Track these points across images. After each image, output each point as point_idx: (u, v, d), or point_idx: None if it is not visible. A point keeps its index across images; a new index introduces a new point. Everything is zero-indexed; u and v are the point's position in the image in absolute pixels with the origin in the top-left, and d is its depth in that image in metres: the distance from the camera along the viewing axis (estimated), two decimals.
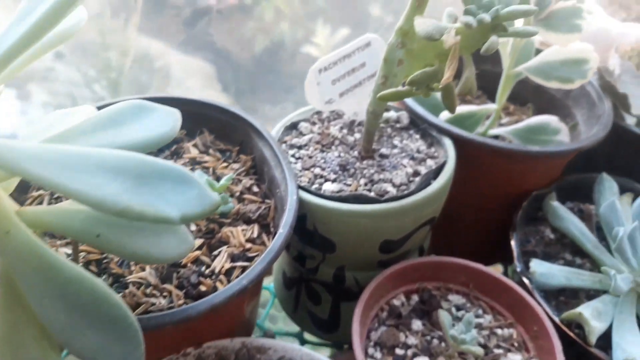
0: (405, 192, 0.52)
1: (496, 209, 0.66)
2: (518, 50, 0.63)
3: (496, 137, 0.74)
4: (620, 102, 0.72)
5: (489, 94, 0.79)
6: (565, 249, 0.62)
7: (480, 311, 0.54)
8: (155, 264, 0.45)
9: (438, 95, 0.68)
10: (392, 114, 0.64)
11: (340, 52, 0.58)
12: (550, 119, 0.71)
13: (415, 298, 0.55)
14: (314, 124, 0.63)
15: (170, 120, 0.36)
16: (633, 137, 0.70)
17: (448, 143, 0.59)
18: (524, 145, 0.59)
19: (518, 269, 0.56)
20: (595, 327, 0.49)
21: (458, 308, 0.54)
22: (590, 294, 0.56)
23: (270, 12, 1.77)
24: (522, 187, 0.65)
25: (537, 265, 0.54)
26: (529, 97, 0.81)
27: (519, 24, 0.61)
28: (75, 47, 1.29)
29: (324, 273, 0.58)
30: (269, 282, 0.74)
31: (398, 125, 0.63)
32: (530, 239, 0.63)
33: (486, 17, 0.38)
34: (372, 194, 0.52)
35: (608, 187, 0.64)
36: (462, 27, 0.40)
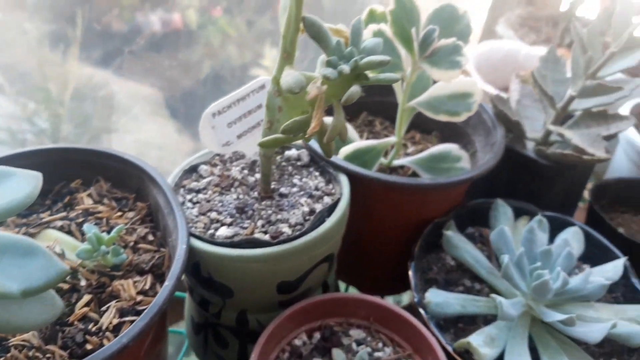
0: (298, 232, 0.53)
1: (400, 239, 0.67)
2: (410, 86, 0.65)
3: (401, 167, 0.76)
4: (515, 129, 0.76)
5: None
6: (465, 275, 0.64)
7: (380, 344, 0.55)
8: (18, 332, 0.43)
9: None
10: (293, 152, 0.65)
11: (235, 96, 0.59)
12: (451, 147, 0.73)
13: (317, 336, 0.56)
14: (215, 165, 0.63)
15: (27, 186, 0.35)
16: (528, 161, 0.74)
17: (343, 179, 0.60)
18: (413, 179, 0.61)
19: (415, 300, 0.57)
20: (485, 354, 0.51)
21: (359, 343, 0.55)
22: (488, 319, 0.58)
23: (217, 36, 1.77)
24: (423, 216, 0.67)
25: (433, 296, 0.56)
26: (434, 125, 0.83)
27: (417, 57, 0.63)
28: (14, 79, 1.25)
29: (227, 317, 0.58)
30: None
31: (299, 163, 0.64)
32: (432, 266, 0.65)
33: (346, 68, 0.40)
34: (266, 237, 0.53)
35: (502, 213, 0.67)
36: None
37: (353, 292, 0.83)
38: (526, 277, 0.55)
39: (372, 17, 0.65)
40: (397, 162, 0.74)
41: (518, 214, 0.70)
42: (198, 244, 0.51)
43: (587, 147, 0.68)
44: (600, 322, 0.54)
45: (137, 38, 1.37)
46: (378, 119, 0.85)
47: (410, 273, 0.60)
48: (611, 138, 0.75)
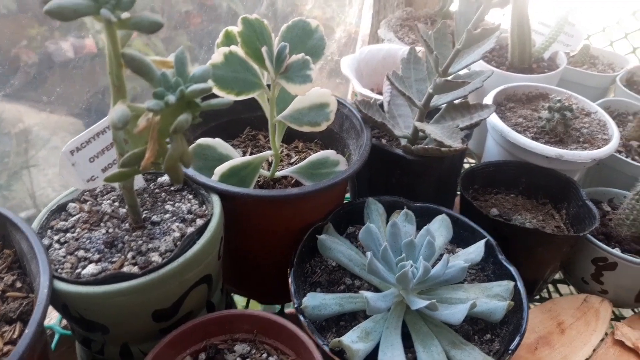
0: (166, 259, 0.53)
1: (285, 248, 0.69)
2: (274, 101, 0.68)
3: (285, 177, 0.78)
4: (383, 129, 0.80)
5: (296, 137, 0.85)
6: (346, 274, 0.67)
7: (265, 355, 0.57)
8: None
9: (222, 148, 0.71)
10: (165, 178, 0.66)
11: (92, 130, 0.59)
12: (329, 153, 0.76)
13: (202, 357, 0.56)
14: (84, 201, 0.63)
15: None
16: (397, 158, 0.78)
17: (215, 199, 0.61)
18: (281, 191, 0.63)
19: (295, 305, 0.59)
20: (358, 349, 0.54)
21: (243, 357, 0.57)
22: (367, 314, 0.61)
23: None
24: (305, 222, 0.69)
25: (310, 300, 0.58)
26: (316, 134, 0.87)
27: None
28: None
29: (110, 352, 0.58)
30: None
31: (172, 188, 0.65)
32: (316, 269, 0.68)
33: (172, 98, 0.41)
34: (135, 268, 0.53)
35: (374, 210, 0.71)
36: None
37: (254, 305, 0.85)
38: (393, 269, 0.59)
39: (229, 38, 0.67)
40: (279, 173, 0.76)
41: (394, 208, 0.74)
42: (62, 285, 0.50)
43: (446, 139, 0.73)
44: (467, 302, 0.58)
45: (49, 67, 1.32)
46: (261, 132, 0.87)
47: (290, 280, 0.62)
48: (475, 126, 0.81)
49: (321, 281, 0.66)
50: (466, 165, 1.22)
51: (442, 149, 0.72)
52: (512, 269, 0.66)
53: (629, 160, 0.93)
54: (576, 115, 0.90)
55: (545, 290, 0.91)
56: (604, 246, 0.77)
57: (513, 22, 1.05)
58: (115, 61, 0.41)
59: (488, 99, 0.95)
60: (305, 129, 0.67)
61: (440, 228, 0.70)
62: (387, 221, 0.72)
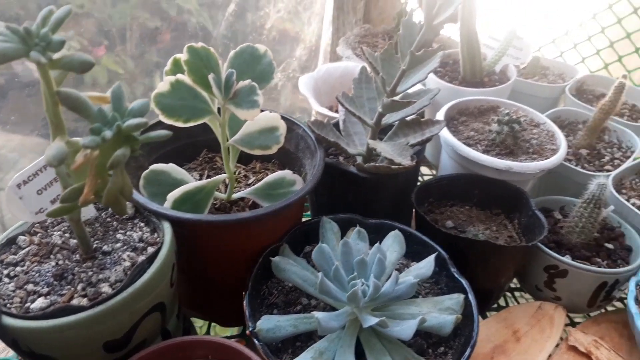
0: (116, 290, 0.53)
1: (245, 269, 0.70)
2: (225, 126, 0.69)
3: (242, 199, 0.79)
4: (338, 148, 0.82)
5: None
6: (303, 294, 0.67)
7: None
8: None
9: (176, 173, 0.71)
10: None
11: (39, 163, 0.59)
12: (285, 173, 0.78)
13: None
14: (34, 234, 0.62)
15: None
16: (352, 176, 0.80)
17: (166, 226, 0.61)
18: (231, 215, 0.64)
19: (250, 329, 0.60)
20: None
21: None
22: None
23: (103, 75, 1.71)
24: (261, 244, 0.70)
25: (264, 323, 0.59)
26: (272, 154, 0.88)
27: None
28: None
29: None
30: None
31: (124, 217, 0.65)
32: (273, 291, 0.68)
33: (108, 133, 0.42)
34: (84, 301, 0.53)
35: (329, 229, 0.72)
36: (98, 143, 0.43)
37: (217, 329, 0.85)
38: (346, 287, 0.60)
39: (177, 66, 0.68)
40: (236, 195, 0.77)
41: (349, 225, 0.75)
42: (10, 321, 0.50)
43: (396, 157, 0.75)
44: (418, 318, 0.60)
45: (16, 88, 1.31)
46: (218, 154, 0.88)
47: (245, 304, 0.62)
48: (427, 142, 0.84)
49: (278, 302, 0.67)
50: (427, 177, 1.25)
51: (392, 166, 0.74)
52: (463, 281, 0.68)
53: (578, 168, 0.96)
54: (524, 127, 0.93)
55: (503, 298, 0.94)
56: (554, 254, 0.80)
57: (462, 38, 1.08)
58: (51, 99, 0.41)
59: (440, 114, 0.98)
60: (257, 152, 0.68)
61: (393, 244, 0.71)
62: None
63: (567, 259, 0.81)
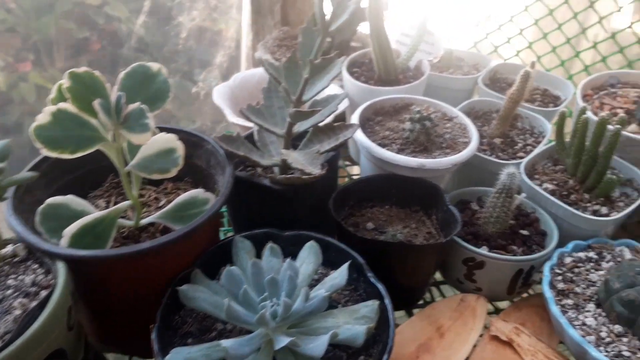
0: (4, 342, 0.50)
1: (157, 301, 0.67)
2: (120, 152, 0.66)
3: (152, 224, 0.76)
4: (250, 161, 0.80)
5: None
6: (218, 319, 0.65)
7: None
8: None
9: (75, 204, 0.68)
10: (8, 249, 0.62)
11: None
12: (197, 192, 0.75)
13: None
14: None
15: None
16: (266, 189, 0.78)
17: (60, 266, 0.58)
18: (127, 248, 0.61)
19: None
20: None
21: None
22: None
23: (31, 92, 1.61)
24: (172, 271, 0.68)
25: (173, 356, 0.57)
26: (184, 171, 0.85)
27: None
28: None
29: None
30: None
31: (16, 260, 0.61)
32: (187, 319, 0.66)
33: None
34: None
35: (241, 248, 0.70)
36: None
37: None
38: (256, 309, 0.59)
39: (61, 94, 0.64)
40: (144, 221, 0.74)
41: (266, 240, 0.74)
42: None
43: (307, 166, 0.74)
44: (329, 332, 0.59)
45: None
46: None
47: (153, 337, 0.60)
48: (341, 146, 0.83)
49: (192, 331, 0.65)
50: (356, 177, 1.25)
51: (304, 176, 0.73)
52: (380, 286, 0.68)
53: (491, 158, 0.99)
54: (436, 123, 0.94)
55: (429, 293, 0.95)
56: (471, 247, 0.81)
57: (372, 38, 1.08)
58: None
59: (355, 116, 0.98)
60: (156, 176, 0.65)
61: (309, 255, 0.70)
62: (259, 255, 0.71)
63: (483, 250, 0.82)
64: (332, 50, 1.35)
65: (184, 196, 0.75)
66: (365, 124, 1.01)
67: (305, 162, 0.75)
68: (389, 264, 0.78)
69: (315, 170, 0.73)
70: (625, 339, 0.68)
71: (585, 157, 0.89)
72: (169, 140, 0.64)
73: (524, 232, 0.88)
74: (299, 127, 0.81)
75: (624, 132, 0.93)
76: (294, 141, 0.81)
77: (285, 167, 0.82)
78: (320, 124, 0.83)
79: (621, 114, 1.02)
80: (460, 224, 0.79)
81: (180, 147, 0.65)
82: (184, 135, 0.83)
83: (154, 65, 0.68)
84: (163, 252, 0.63)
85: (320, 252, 0.71)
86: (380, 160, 0.90)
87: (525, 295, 0.91)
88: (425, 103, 1.04)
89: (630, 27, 1.22)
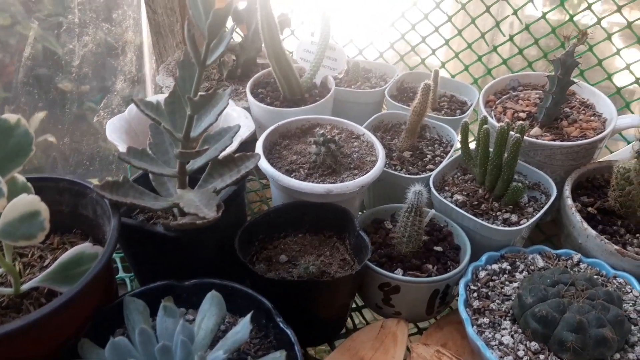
0: None
1: None
2: None
3: (35, 288, 0.68)
4: (138, 208, 0.73)
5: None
6: None
7: None
8: None
9: None
10: None
11: None
12: (84, 248, 0.68)
13: None
14: None
15: None
16: (159, 237, 0.72)
17: None
18: None
19: None
20: None
21: None
22: None
23: None
24: (56, 343, 0.60)
25: None
26: (71, 223, 0.77)
27: None
28: None
29: None
30: None
31: None
32: None
33: None
34: None
35: (134, 309, 0.64)
36: None
37: None
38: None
39: None
40: (25, 287, 0.66)
41: (164, 294, 0.67)
42: None
43: (203, 208, 0.68)
44: None
45: None
46: None
47: None
48: (244, 178, 0.78)
49: None
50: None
51: (197, 222, 0.67)
52: (289, 332, 0.64)
53: (400, 173, 0.97)
54: (341, 145, 0.91)
55: (352, 320, 0.92)
56: (384, 272, 0.79)
57: (270, 59, 1.04)
58: None
59: (259, 143, 0.93)
60: (22, 243, 0.57)
61: (210, 307, 0.65)
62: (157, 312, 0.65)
63: (397, 273, 0.80)
64: (238, 70, 1.31)
65: (68, 253, 0.67)
66: (272, 148, 0.97)
67: (201, 204, 0.70)
68: (302, 301, 0.74)
69: (210, 213, 0.67)
70: (542, 357, 0.68)
71: (491, 167, 0.90)
72: (32, 202, 0.57)
73: (438, 249, 0.87)
74: (193, 165, 0.75)
75: (526, 138, 0.94)
76: (195, 174, 0.76)
77: (181, 209, 0.76)
78: (220, 157, 0.78)
79: (523, 118, 1.04)
80: (370, 250, 0.77)
81: (44, 210, 0.57)
82: (66, 184, 0.76)
83: (11, 117, 0.60)
84: (40, 327, 0.56)
85: (224, 302, 0.66)
86: (287, 188, 0.86)
87: (447, 310, 0.90)
88: (330, 123, 1.02)
89: (543, 17, 1.23)
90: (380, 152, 0.93)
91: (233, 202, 0.80)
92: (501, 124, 0.86)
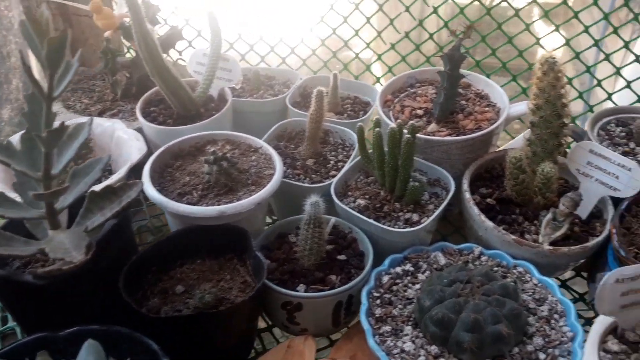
0: None
1: None
2: None
3: None
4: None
5: None
6: None
7: None
8: None
9: None
10: None
11: None
12: None
13: None
14: None
15: None
16: (30, 286, 0.66)
17: None
18: None
19: None
20: None
21: None
22: None
23: None
24: None
25: None
26: None
27: None
28: None
29: None
30: None
31: None
32: None
33: None
34: None
35: None
36: None
37: None
38: None
39: None
40: None
41: (39, 347, 0.62)
42: None
43: (72, 251, 0.63)
44: None
45: None
46: None
47: None
48: (126, 209, 0.73)
49: None
50: None
51: (64, 267, 0.62)
52: None
53: (300, 183, 0.95)
54: (234, 162, 0.87)
55: (261, 341, 0.89)
56: (284, 291, 0.76)
57: (153, 77, 0.99)
58: None
59: (146, 168, 0.88)
60: None
61: (88, 357, 0.60)
62: None
63: (299, 289, 0.78)
64: (133, 88, 1.25)
65: None
66: (164, 171, 0.92)
67: (71, 246, 0.64)
68: (198, 334, 0.70)
69: (78, 256, 0.62)
70: None
71: (387, 169, 0.89)
72: None
73: (342, 257, 0.85)
74: (64, 202, 0.69)
75: (420, 135, 0.94)
76: (73, 209, 0.70)
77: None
78: (97, 188, 0.72)
79: (420, 115, 1.04)
80: (266, 270, 0.74)
81: None
82: None
83: None
84: None
85: (102, 350, 0.61)
86: (178, 214, 0.82)
87: (356, 320, 0.88)
88: (226, 137, 0.98)
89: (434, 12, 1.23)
90: (278, 164, 0.90)
91: (116, 236, 0.75)
92: (392, 125, 0.85)
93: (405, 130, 0.85)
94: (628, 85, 1.19)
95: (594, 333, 0.63)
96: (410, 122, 0.89)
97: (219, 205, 0.82)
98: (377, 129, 0.87)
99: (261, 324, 0.90)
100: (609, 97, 1.21)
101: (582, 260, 0.91)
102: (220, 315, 0.69)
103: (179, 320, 0.68)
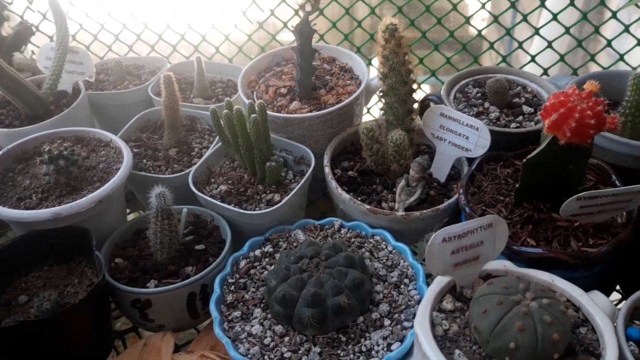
0: None
1: None
2: None
3: None
4: None
5: None
6: None
7: None
8: None
9: None
10: None
11: None
12: None
13: None
14: None
15: None
16: None
17: None
18: None
19: None
20: None
21: None
22: None
23: None
24: None
25: None
26: None
27: None
28: None
29: None
30: None
31: None
32: None
33: None
34: None
35: None
36: None
37: None
38: None
39: None
40: None
41: None
42: None
43: None
44: None
45: None
46: None
47: None
48: None
49: None
50: None
51: None
52: None
53: (159, 175, 0.91)
54: (74, 160, 0.82)
55: (122, 341, 0.85)
56: (129, 289, 0.73)
57: None
58: None
59: None
60: None
61: None
62: None
63: (150, 285, 0.75)
64: None
65: None
66: (5, 176, 0.86)
67: None
68: (42, 341, 0.66)
69: None
70: (286, 339, 0.66)
71: (243, 150, 0.86)
72: None
73: (200, 247, 0.82)
74: None
75: (274, 113, 0.93)
76: None
77: None
78: None
79: (284, 93, 1.02)
80: (104, 269, 0.70)
81: None
82: None
83: None
84: None
85: None
86: (15, 221, 0.76)
87: None
88: (74, 134, 0.92)
89: None
90: (126, 157, 0.86)
91: None
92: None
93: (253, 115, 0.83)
94: (549, 45, 1.20)
95: (429, 293, 0.63)
96: (250, 101, 0.86)
97: (60, 206, 0.77)
98: (226, 111, 0.84)
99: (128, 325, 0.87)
100: (533, 59, 1.22)
101: (445, 221, 0.93)
102: (57, 319, 0.65)
103: (15, 330, 0.63)
